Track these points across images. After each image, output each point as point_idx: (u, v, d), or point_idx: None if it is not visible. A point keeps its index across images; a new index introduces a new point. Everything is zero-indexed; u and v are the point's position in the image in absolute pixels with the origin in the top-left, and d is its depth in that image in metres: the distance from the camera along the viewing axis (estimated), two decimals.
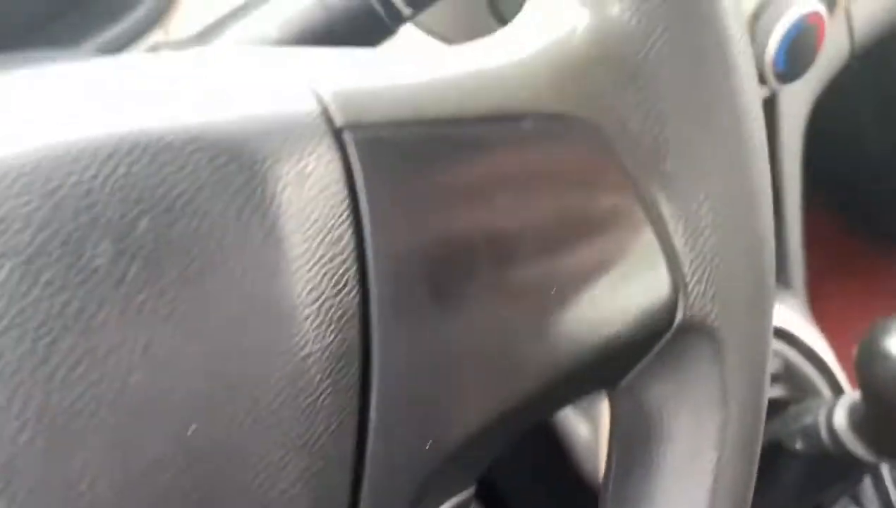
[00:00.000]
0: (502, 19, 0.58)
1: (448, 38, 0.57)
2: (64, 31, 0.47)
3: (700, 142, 0.26)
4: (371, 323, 0.21)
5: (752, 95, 0.26)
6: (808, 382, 0.73)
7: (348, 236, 0.21)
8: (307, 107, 0.21)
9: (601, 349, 0.25)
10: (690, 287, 0.26)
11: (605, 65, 0.24)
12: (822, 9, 0.58)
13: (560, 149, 0.24)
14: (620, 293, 0.25)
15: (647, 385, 0.27)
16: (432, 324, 0.22)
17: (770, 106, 0.71)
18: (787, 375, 0.73)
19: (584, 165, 0.25)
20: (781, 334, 0.71)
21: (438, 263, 0.22)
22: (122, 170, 0.18)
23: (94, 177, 0.18)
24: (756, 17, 0.58)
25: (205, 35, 0.38)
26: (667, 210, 0.26)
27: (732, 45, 0.25)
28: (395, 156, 0.22)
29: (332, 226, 0.21)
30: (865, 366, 0.58)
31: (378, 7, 0.36)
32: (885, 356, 0.57)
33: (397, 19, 0.39)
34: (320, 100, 0.21)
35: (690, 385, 0.27)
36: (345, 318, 0.21)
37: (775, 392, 0.71)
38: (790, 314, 0.72)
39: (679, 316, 0.26)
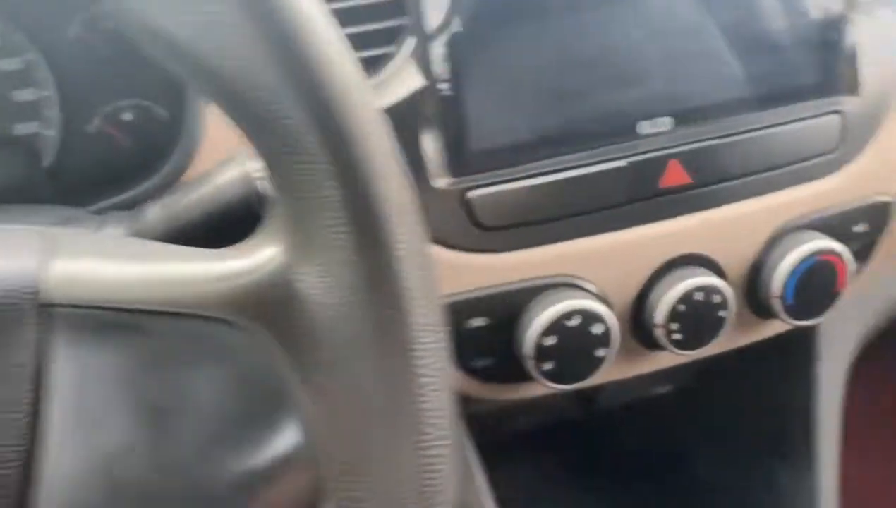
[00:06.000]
0: None
1: None
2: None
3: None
4: None
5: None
6: None
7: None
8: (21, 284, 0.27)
9: None
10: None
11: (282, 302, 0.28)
12: (838, 247, 0.55)
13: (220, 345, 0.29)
14: None
15: None
16: None
17: (809, 339, 0.66)
18: None
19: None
20: None
21: None
22: None
23: None
24: (768, 249, 0.57)
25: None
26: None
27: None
28: (91, 333, 0.27)
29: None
30: None
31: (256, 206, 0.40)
32: None
33: None
34: (37, 279, 0.27)
35: None
36: None
37: None
38: None
39: None
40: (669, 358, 0.59)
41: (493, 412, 0.66)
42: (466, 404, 0.60)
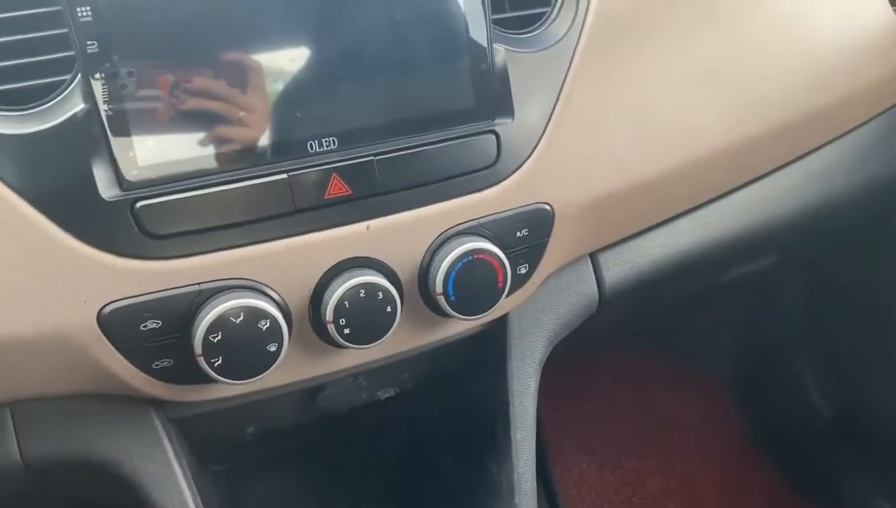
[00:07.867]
0: None
1: None
2: None
3: None
4: None
5: None
6: None
7: None
8: None
9: None
10: None
11: None
12: (492, 248, 0.63)
13: None
14: None
15: None
16: None
17: (502, 337, 0.74)
18: None
19: None
20: None
21: None
22: None
23: None
24: (434, 252, 0.64)
25: None
26: None
27: None
28: None
29: None
30: None
31: None
32: None
33: None
34: None
35: None
36: None
37: None
38: None
39: None
40: (354, 355, 0.65)
41: (217, 430, 0.70)
42: (164, 409, 0.64)
